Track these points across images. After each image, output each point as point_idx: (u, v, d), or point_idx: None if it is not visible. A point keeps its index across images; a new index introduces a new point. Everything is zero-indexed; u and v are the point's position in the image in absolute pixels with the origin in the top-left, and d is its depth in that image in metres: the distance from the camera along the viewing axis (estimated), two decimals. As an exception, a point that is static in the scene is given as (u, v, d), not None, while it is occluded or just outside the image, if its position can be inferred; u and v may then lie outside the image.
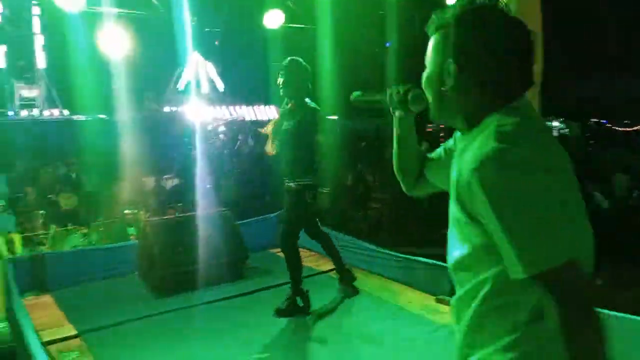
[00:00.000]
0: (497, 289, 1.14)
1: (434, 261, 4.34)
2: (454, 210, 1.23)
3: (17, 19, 13.11)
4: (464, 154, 1.19)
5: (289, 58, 3.96)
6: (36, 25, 13.38)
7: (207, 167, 9.93)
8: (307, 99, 3.94)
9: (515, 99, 1.19)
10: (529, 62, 1.20)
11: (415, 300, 4.19)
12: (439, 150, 1.56)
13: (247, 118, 17.90)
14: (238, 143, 14.58)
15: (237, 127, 17.00)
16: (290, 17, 7.08)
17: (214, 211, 5.42)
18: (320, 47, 7.85)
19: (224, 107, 17.20)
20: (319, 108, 4.02)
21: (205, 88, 15.94)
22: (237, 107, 17.70)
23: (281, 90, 3.94)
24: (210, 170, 10.42)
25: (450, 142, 1.47)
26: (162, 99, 14.27)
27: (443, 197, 1.36)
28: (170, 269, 4.35)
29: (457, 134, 1.35)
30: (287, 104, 4.03)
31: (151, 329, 3.81)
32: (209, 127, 15.52)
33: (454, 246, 1.25)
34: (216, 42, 11.26)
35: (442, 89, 1.26)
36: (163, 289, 4.34)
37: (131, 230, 9.22)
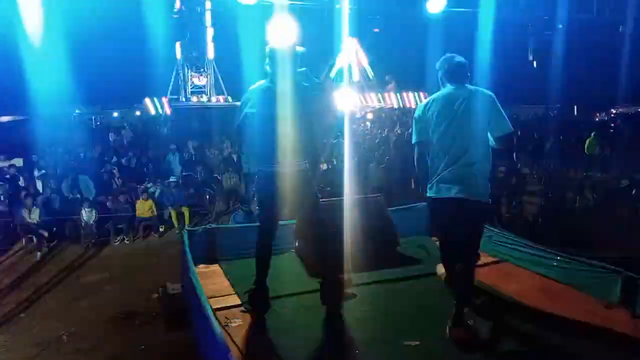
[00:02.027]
0: None
1: (603, 264, 3.96)
2: None
3: (192, 14, 14.50)
4: None
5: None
6: (208, 19, 14.67)
7: (354, 153, 10.04)
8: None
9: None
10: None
11: (580, 304, 3.85)
12: None
13: (396, 105, 17.79)
14: (385, 130, 14.56)
15: (385, 115, 16.98)
16: (452, 1, 6.85)
17: (368, 197, 5.48)
18: (482, 32, 7.47)
19: (372, 94, 17.27)
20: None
21: (357, 75, 16.13)
22: (387, 95, 17.65)
23: None
24: (357, 157, 10.55)
25: None
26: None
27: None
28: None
29: None
30: None
31: (305, 305, 3.97)
32: (358, 115, 15.71)
33: None
34: (375, 30, 11.26)
35: None
36: (317, 269, 4.49)
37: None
